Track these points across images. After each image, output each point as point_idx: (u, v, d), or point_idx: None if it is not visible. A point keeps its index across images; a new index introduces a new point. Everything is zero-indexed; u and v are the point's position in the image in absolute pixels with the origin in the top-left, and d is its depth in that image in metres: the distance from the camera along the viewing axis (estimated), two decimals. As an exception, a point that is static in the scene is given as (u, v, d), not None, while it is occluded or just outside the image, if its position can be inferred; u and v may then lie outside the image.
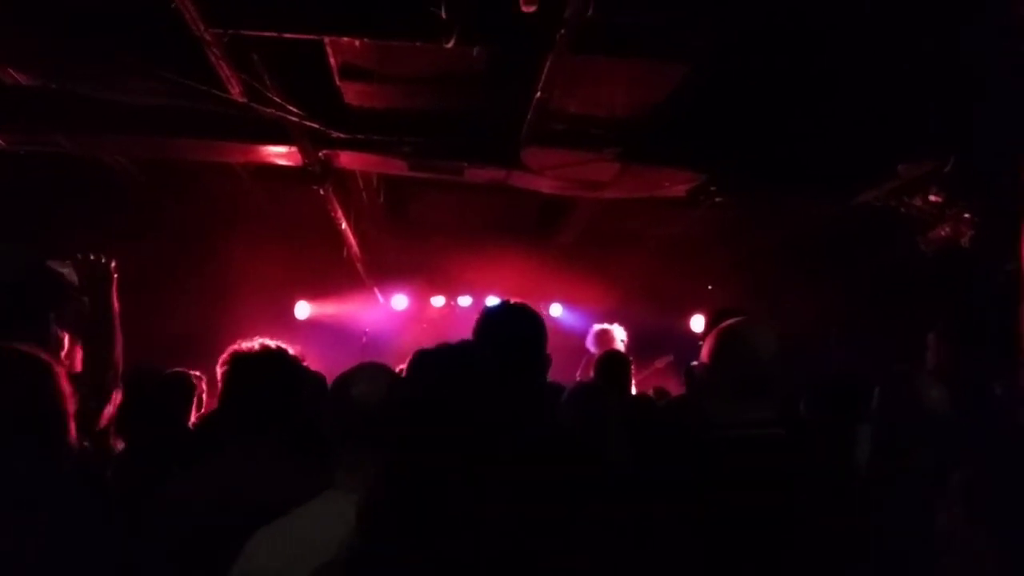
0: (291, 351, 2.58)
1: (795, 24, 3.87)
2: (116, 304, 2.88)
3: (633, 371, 4.87)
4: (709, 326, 4.52)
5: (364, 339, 8.91)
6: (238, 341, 2.54)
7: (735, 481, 1.92)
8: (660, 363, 6.95)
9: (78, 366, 2.95)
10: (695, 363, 2.72)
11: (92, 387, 2.68)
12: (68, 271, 2.86)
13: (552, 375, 2.41)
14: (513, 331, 2.16)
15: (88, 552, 1.85)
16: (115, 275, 2.90)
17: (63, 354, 2.91)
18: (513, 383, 2.02)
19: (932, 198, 4.95)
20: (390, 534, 1.58)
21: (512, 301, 2.34)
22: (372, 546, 1.57)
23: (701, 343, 2.35)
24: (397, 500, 1.67)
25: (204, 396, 4.05)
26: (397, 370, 4.29)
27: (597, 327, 6.35)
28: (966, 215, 4.77)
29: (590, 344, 6.19)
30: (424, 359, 3.05)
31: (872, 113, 4.55)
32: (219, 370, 2.49)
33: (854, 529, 1.99)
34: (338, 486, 2.01)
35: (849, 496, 2.19)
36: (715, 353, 2.15)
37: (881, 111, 4.51)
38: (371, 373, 2.17)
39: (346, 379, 2.15)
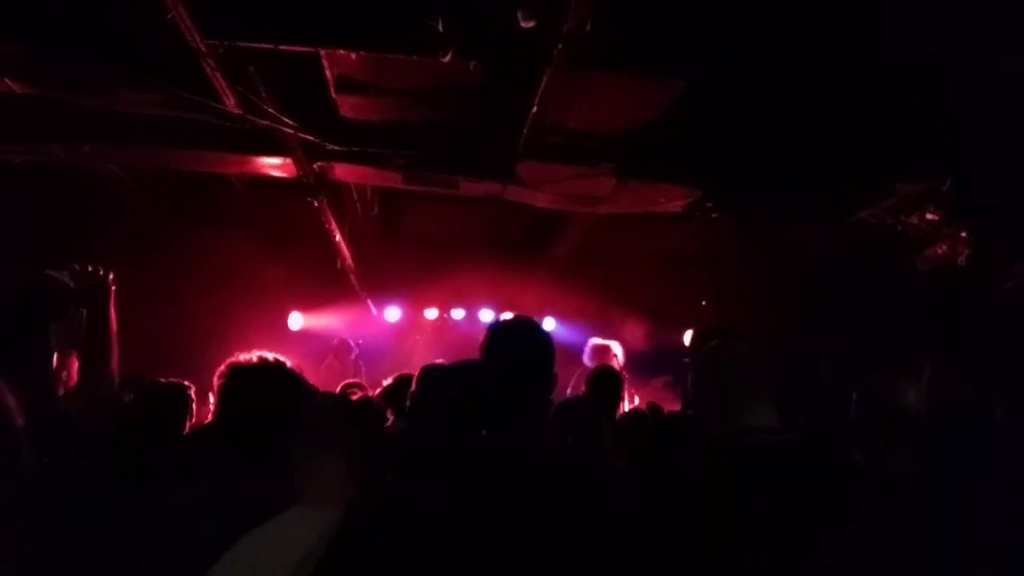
0: (289, 364, 2.55)
1: (793, 41, 3.88)
2: (113, 315, 2.85)
3: (628, 388, 4.84)
4: (695, 345, 4.52)
5: (357, 351, 8.87)
6: (235, 353, 2.51)
7: (763, 486, 1.97)
8: (657, 382, 6.93)
9: (74, 377, 2.92)
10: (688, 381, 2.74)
11: (88, 398, 2.64)
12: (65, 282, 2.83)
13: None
14: (522, 350, 2.15)
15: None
16: (112, 287, 2.87)
17: (55, 367, 2.87)
18: (518, 401, 2.02)
19: (929, 216, 4.96)
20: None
21: (521, 317, 2.32)
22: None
23: (687, 360, 2.42)
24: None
25: (194, 406, 4.01)
26: (385, 383, 4.27)
27: (595, 341, 6.32)
28: (963, 234, 4.78)
29: (587, 358, 6.17)
30: (433, 375, 3.03)
31: (870, 130, 4.56)
32: (216, 382, 2.46)
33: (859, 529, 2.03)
34: (302, 501, 2.01)
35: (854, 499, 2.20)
36: (706, 368, 2.27)
37: (880, 128, 4.52)
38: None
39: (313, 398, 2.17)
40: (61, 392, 3.00)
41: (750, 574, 1.88)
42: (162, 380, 3.82)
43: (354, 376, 7.24)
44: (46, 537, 1.80)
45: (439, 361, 3.10)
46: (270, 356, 2.45)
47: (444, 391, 2.33)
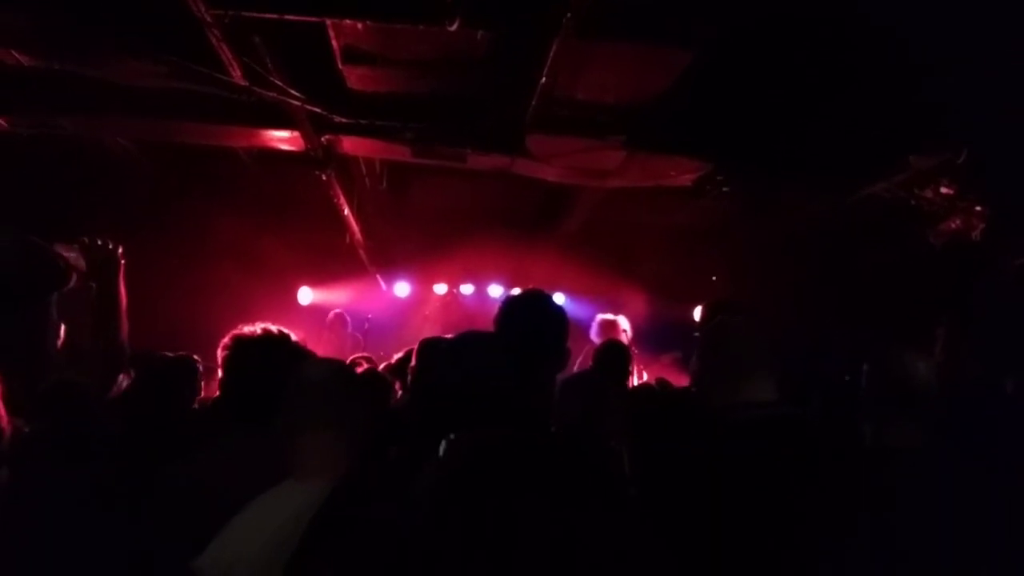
0: (294, 336, 2.54)
1: (806, 10, 3.80)
2: (122, 289, 2.85)
3: (637, 364, 4.81)
4: (705, 318, 4.48)
5: (367, 325, 8.88)
6: (240, 325, 2.51)
7: (758, 461, 1.95)
8: (666, 359, 6.89)
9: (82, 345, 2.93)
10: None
11: (98, 371, 2.65)
12: (75, 255, 2.83)
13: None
14: (536, 324, 2.12)
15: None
16: (122, 260, 2.87)
17: (60, 340, 2.88)
18: (529, 376, 1.99)
19: (943, 190, 4.89)
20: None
21: (535, 291, 2.30)
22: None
23: (696, 335, 2.44)
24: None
25: (202, 381, 4.01)
26: (396, 358, 4.26)
27: (601, 317, 6.28)
28: (978, 208, 4.71)
29: (594, 335, 6.13)
30: (437, 348, 3.01)
31: (884, 103, 4.48)
32: (220, 354, 2.45)
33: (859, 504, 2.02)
34: (295, 475, 2.01)
35: (855, 473, 2.19)
36: (710, 343, 2.30)
37: (893, 101, 4.44)
38: (324, 359, 2.17)
39: (303, 367, 2.14)
40: (71, 364, 3.02)
41: (749, 545, 1.87)
42: (169, 354, 3.82)
43: (352, 350, 7.25)
44: (36, 513, 1.80)
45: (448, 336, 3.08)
46: (274, 328, 2.44)
47: (450, 365, 2.31)
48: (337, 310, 8.73)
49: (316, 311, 9.40)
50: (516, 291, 2.66)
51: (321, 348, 7.51)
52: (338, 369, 2.19)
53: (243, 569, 1.84)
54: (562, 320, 2.14)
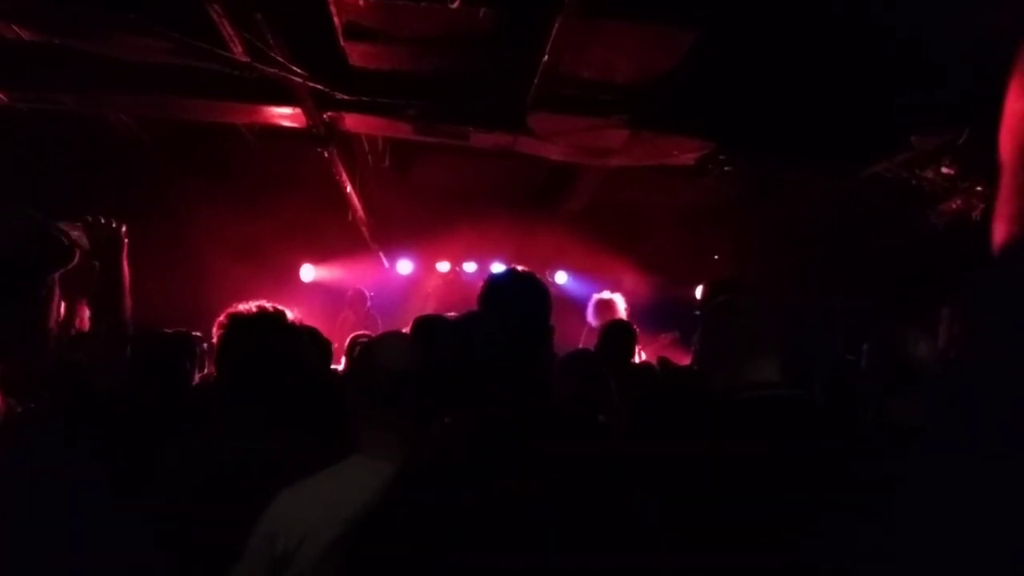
0: (291, 315, 2.55)
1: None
2: (126, 268, 2.86)
3: (638, 343, 4.82)
4: (706, 297, 4.48)
5: (369, 303, 8.89)
6: (236, 303, 2.52)
7: (760, 443, 1.96)
8: (665, 338, 6.90)
9: (86, 324, 2.95)
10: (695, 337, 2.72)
11: (102, 350, 2.66)
12: (78, 234, 2.84)
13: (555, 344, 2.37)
14: (517, 301, 2.12)
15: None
16: (125, 239, 2.88)
17: (62, 319, 2.89)
18: (517, 353, 2.00)
19: (945, 170, 4.87)
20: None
21: (517, 269, 2.29)
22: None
23: (697, 314, 2.42)
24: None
25: (205, 358, 4.03)
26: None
27: (598, 297, 6.26)
28: (979, 188, 4.69)
29: (591, 316, 6.12)
30: (428, 327, 3.02)
31: (886, 83, 4.45)
32: (216, 331, 2.46)
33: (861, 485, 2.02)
34: (363, 451, 2.04)
35: (856, 455, 2.20)
36: (713, 323, 2.26)
37: (895, 81, 4.41)
38: (396, 341, 2.18)
39: (371, 347, 2.15)
40: (74, 344, 3.03)
41: (744, 526, 1.88)
42: (168, 331, 3.84)
43: (372, 326, 7.28)
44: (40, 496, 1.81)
45: (451, 314, 3.10)
46: (269, 306, 2.45)
47: (455, 345, 2.32)
48: (357, 287, 8.75)
49: (318, 289, 9.42)
50: (498, 271, 2.62)
51: (338, 327, 7.56)
52: (411, 359, 2.15)
53: (314, 544, 1.88)
54: (549, 300, 2.15)
